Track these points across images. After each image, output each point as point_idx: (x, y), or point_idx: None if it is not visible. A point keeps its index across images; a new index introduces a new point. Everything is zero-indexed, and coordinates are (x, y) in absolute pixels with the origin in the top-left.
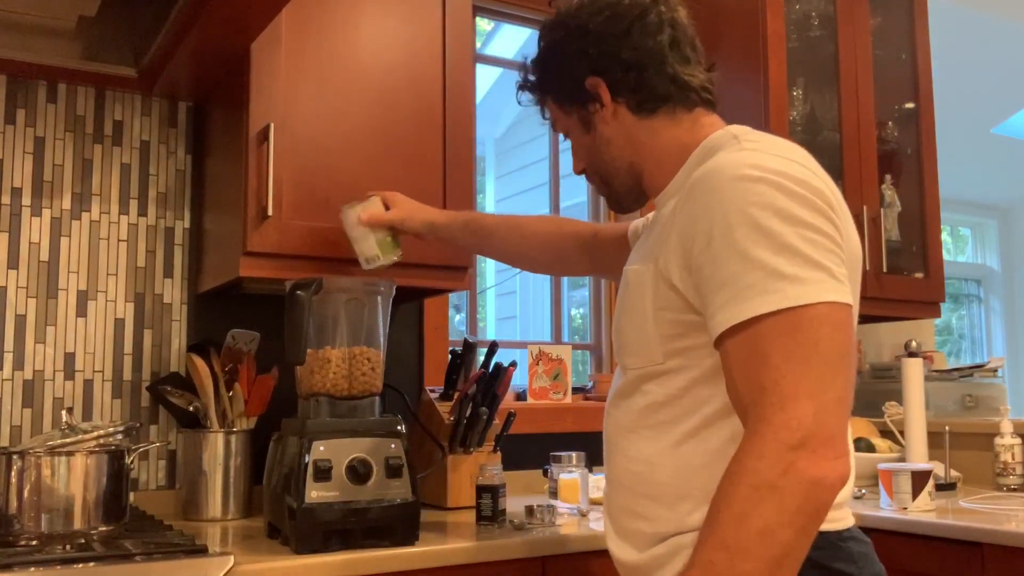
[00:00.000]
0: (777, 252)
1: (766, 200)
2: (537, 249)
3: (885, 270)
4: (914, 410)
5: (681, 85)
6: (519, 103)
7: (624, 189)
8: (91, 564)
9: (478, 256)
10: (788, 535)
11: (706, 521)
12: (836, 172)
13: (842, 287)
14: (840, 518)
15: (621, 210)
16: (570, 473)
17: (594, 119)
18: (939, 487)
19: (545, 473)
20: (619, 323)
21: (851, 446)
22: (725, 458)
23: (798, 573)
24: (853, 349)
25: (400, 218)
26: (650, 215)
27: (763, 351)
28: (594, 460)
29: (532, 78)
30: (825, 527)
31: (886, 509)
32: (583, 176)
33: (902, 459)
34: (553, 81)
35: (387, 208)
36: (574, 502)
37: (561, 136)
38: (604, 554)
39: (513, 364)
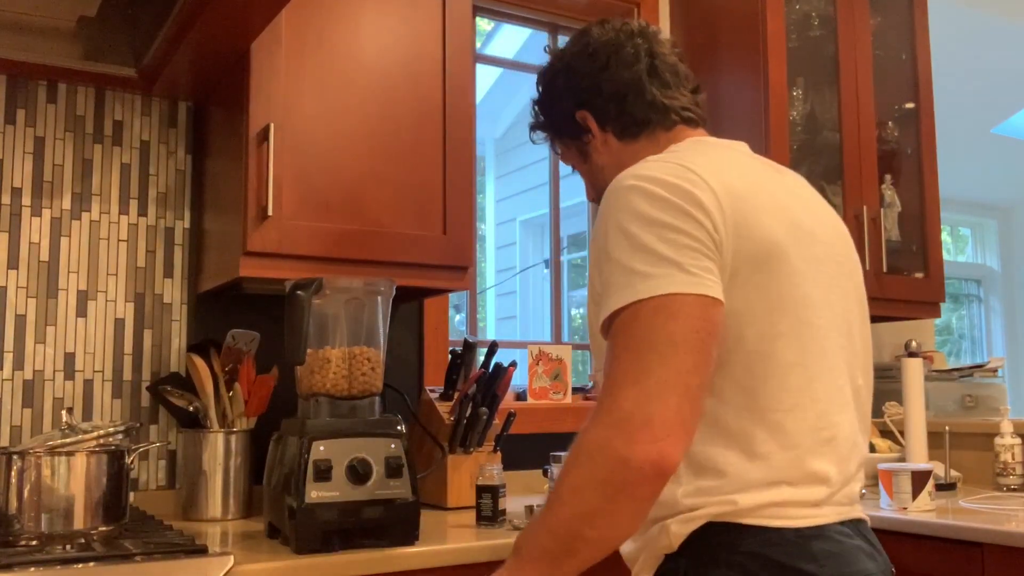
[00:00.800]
0: (633, 253)
1: (631, 206)
2: None
3: (885, 270)
4: (914, 410)
5: (660, 109)
6: (533, 142)
7: None
8: (91, 564)
9: (478, 256)
10: (594, 497)
11: None
12: (836, 172)
13: (692, 279)
14: (803, 516)
15: None
16: None
17: (588, 149)
18: (939, 487)
19: (545, 473)
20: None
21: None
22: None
23: (749, 567)
24: (695, 336)
25: None
26: None
27: (612, 342)
28: None
29: (536, 119)
30: (782, 524)
31: (886, 509)
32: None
33: (902, 459)
34: (551, 119)
35: None
36: None
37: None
38: None
39: (513, 364)
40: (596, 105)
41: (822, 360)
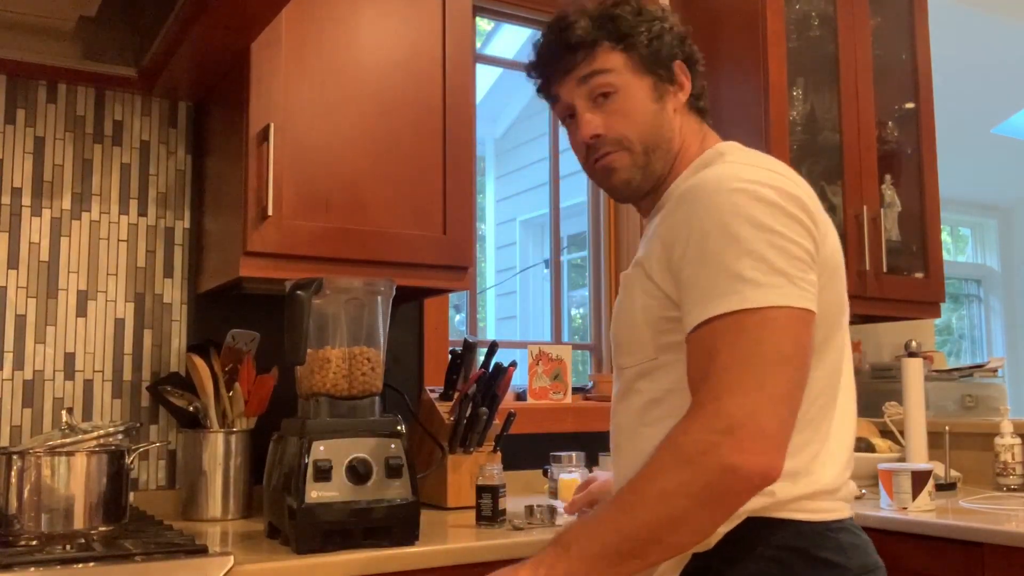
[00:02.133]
0: (741, 257)
1: (740, 209)
2: None
3: (885, 270)
4: (914, 410)
5: (705, 100)
6: (552, 41)
7: (659, 169)
8: (91, 564)
9: (478, 256)
10: (688, 504)
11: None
12: (836, 172)
13: (802, 293)
14: (829, 509)
15: (632, 193)
16: (570, 473)
17: (667, 94)
18: (939, 487)
19: (545, 473)
20: (615, 326)
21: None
22: None
23: (785, 560)
24: (801, 351)
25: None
26: None
27: (714, 347)
28: (594, 460)
29: (615, 25)
30: (811, 517)
31: (886, 509)
32: (585, 174)
33: (902, 459)
34: (647, 44)
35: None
36: None
37: (564, 133)
38: None
39: (513, 364)
40: (694, 66)
41: (848, 361)
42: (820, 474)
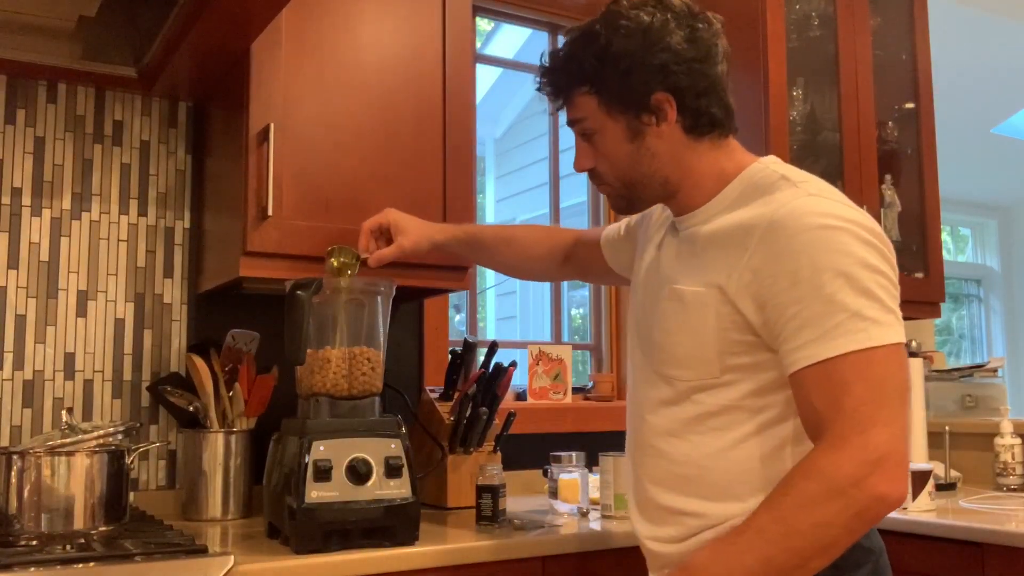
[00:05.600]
0: (858, 296)
1: (847, 248)
2: (527, 262)
3: None
4: (914, 410)
5: (729, 113)
6: (537, 87)
7: (649, 198)
8: (91, 564)
9: None
10: (839, 533)
11: (766, 501)
12: (836, 172)
13: (902, 328)
14: None
15: (629, 212)
16: (570, 473)
17: (645, 130)
18: (939, 487)
19: (545, 473)
20: (670, 337)
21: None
22: (777, 459)
23: None
24: (908, 381)
25: (411, 248)
26: (630, 219)
27: (846, 381)
28: (594, 460)
29: (580, 70)
30: None
31: None
32: (585, 174)
33: None
34: (615, 85)
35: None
36: (574, 502)
37: (564, 133)
38: (603, 554)
39: (513, 364)
40: (685, 95)
41: None
42: None
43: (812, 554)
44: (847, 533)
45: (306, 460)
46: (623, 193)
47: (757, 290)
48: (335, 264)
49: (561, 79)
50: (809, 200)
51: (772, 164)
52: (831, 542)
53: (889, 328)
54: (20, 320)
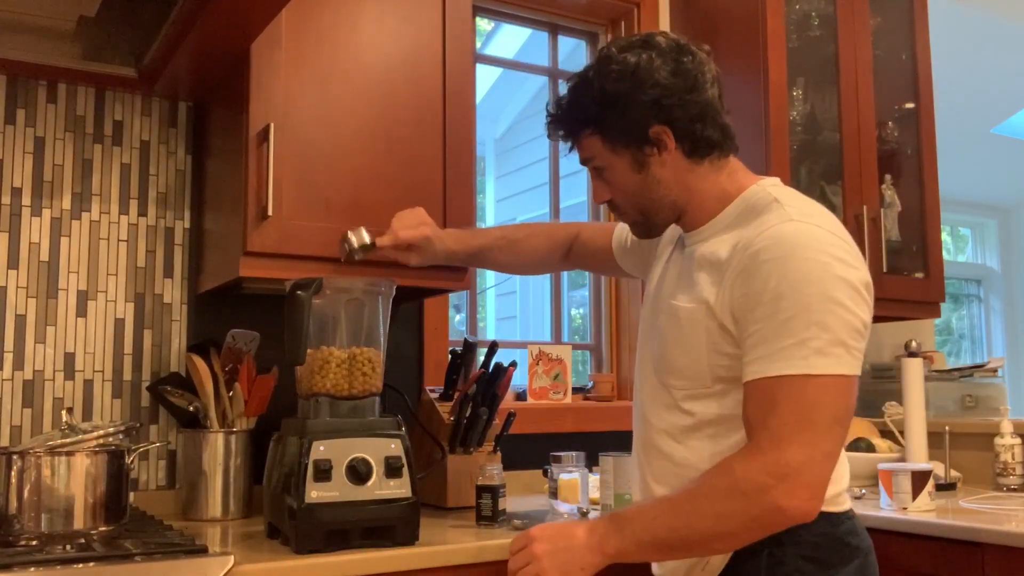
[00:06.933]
0: (809, 327)
1: (811, 278)
2: (526, 266)
3: (885, 270)
4: (914, 410)
5: (727, 134)
6: (548, 135)
7: (663, 222)
8: (91, 564)
9: None
10: (736, 528)
11: (689, 483)
12: (836, 172)
13: (854, 362)
14: (844, 501)
15: (649, 236)
16: (570, 473)
17: (649, 161)
18: (939, 487)
19: (545, 473)
20: (668, 349)
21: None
22: None
23: (822, 544)
24: (848, 413)
25: (428, 241)
26: None
27: (775, 400)
28: (594, 460)
29: (582, 114)
30: (837, 509)
31: (886, 509)
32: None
33: (902, 459)
34: (614, 124)
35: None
36: (574, 502)
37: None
38: None
39: (513, 364)
40: (680, 124)
41: None
42: (841, 473)
43: (711, 537)
44: (745, 530)
45: (306, 460)
46: (639, 220)
47: (733, 307)
48: (354, 241)
49: (567, 124)
50: (788, 226)
51: (770, 187)
52: (729, 532)
53: (834, 359)
54: (20, 320)
